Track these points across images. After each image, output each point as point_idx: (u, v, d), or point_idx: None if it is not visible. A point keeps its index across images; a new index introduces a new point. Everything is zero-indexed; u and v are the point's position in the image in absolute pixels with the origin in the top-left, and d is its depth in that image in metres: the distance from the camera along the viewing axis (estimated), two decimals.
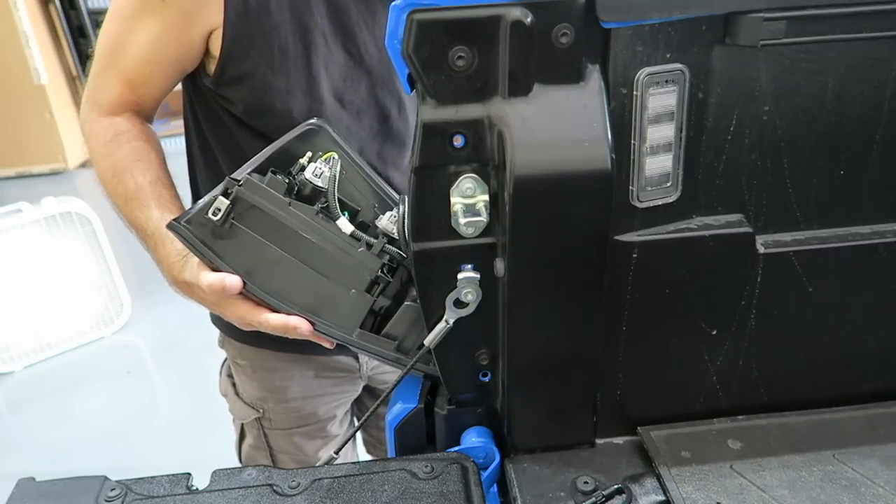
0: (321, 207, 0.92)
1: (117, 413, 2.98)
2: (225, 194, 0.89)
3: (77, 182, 5.17)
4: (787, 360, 0.91)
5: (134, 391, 3.14)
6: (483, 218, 0.78)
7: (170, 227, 0.92)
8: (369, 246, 0.91)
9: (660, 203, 0.80)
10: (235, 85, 1.10)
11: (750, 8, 0.71)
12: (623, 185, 0.77)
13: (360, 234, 0.92)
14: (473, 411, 0.93)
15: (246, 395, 1.44)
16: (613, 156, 0.72)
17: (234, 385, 1.46)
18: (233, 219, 0.90)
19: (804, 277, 0.86)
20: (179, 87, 1.22)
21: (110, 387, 3.14)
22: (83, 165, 5.39)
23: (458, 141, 0.74)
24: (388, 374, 1.46)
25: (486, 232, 0.79)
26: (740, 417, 0.92)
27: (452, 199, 0.77)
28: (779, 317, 0.88)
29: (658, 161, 0.77)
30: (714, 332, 0.88)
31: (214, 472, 0.87)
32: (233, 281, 0.91)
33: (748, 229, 0.82)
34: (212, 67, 1.10)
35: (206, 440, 2.59)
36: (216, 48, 1.07)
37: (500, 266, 0.79)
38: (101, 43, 1.14)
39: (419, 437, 0.96)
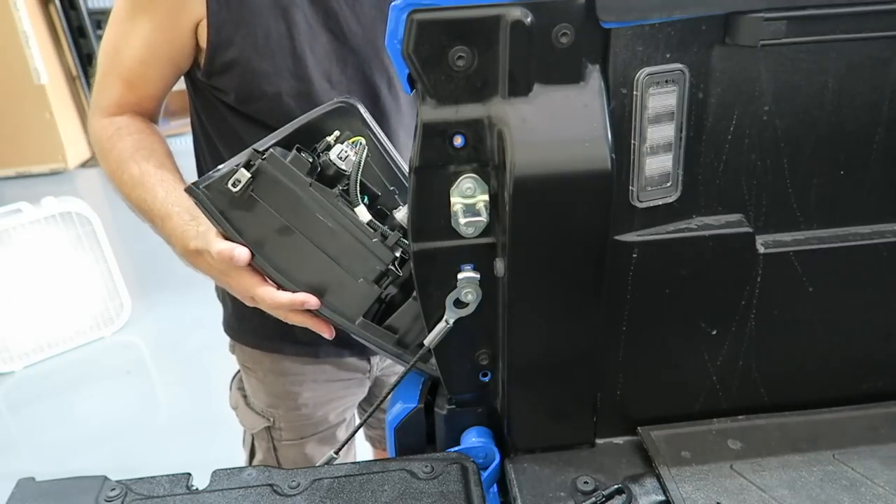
0: (341, 190, 0.90)
1: (117, 413, 2.98)
2: (247, 166, 0.88)
3: (77, 182, 5.17)
4: (787, 360, 0.91)
5: (134, 391, 3.14)
6: (483, 218, 0.78)
7: (188, 189, 0.91)
8: (384, 237, 0.90)
9: (660, 203, 0.80)
10: (225, 73, 1.12)
11: (750, 8, 0.71)
12: (623, 185, 0.77)
13: (376, 223, 0.90)
14: (473, 411, 0.93)
15: (256, 404, 1.43)
16: (613, 156, 0.72)
17: (244, 396, 1.46)
18: (252, 191, 0.89)
19: (804, 277, 0.86)
20: (182, 86, 1.24)
21: (110, 387, 3.14)
22: (83, 165, 5.39)
23: (458, 141, 0.74)
24: (395, 377, 1.46)
25: (486, 232, 0.79)
26: (740, 417, 0.92)
27: (452, 199, 0.77)
28: (779, 317, 0.88)
29: (658, 161, 0.77)
30: (714, 332, 0.88)
31: (214, 472, 0.87)
32: (242, 252, 0.91)
33: (748, 229, 0.82)
34: (202, 60, 1.13)
35: (206, 440, 2.60)
36: (204, 40, 1.10)
37: (500, 266, 0.79)
38: (102, 48, 1.18)
39: (419, 437, 0.96)
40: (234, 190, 0.88)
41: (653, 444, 0.88)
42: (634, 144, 0.76)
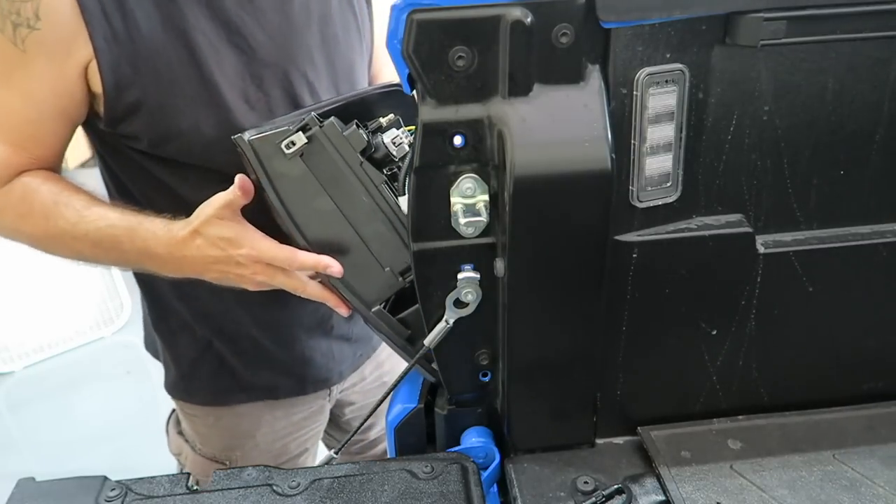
0: (388, 175, 0.89)
1: (117, 413, 2.97)
2: (304, 129, 0.86)
3: (77, 182, 5.16)
4: (787, 359, 0.91)
5: (134, 391, 3.13)
6: (483, 218, 0.78)
7: (236, 138, 0.88)
8: None
9: (660, 203, 0.80)
10: (131, 118, 1.00)
11: (750, 8, 0.71)
12: (623, 185, 0.77)
13: None
14: (473, 411, 0.93)
15: (206, 451, 1.32)
16: (613, 156, 0.72)
17: (188, 442, 1.36)
18: (300, 155, 0.86)
19: (804, 277, 0.86)
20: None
21: (110, 387, 3.14)
22: (83, 165, 5.38)
23: (458, 141, 0.74)
24: (355, 395, 1.42)
25: (486, 232, 0.79)
26: (740, 417, 0.92)
27: (452, 199, 0.77)
28: (779, 317, 0.88)
29: (658, 161, 0.77)
30: (714, 332, 0.88)
31: (214, 471, 0.87)
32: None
33: (748, 229, 0.82)
34: (101, 108, 1.00)
35: None
36: (97, 84, 0.97)
37: (500, 266, 0.79)
38: None
39: (419, 437, 0.96)
40: (287, 152, 0.85)
41: (653, 444, 0.88)
42: (634, 144, 0.76)
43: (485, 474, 0.89)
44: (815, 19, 0.72)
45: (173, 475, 0.87)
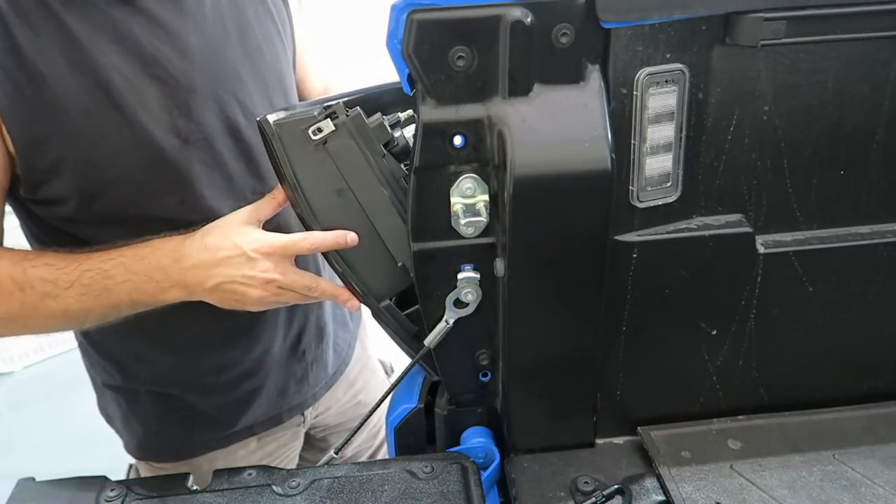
0: (408, 169, 0.88)
1: None
2: (331, 116, 0.85)
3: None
4: (786, 359, 0.91)
5: None
6: (483, 218, 0.78)
7: (261, 120, 0.85)
8: None
9: (660, 203, 0.80)
10: (54, 178, 0.91)
11: (750, 8, 0.71)
12: (623, 185, 0.77)
13: None
14: (473, 411, 0.93)
15: None
16: (613, 156, 0.72)
17: None
18: (324, 143, 0.85)
19: (804, 277, 0.86)
20: None
21: None
22: None
23: (458, 141, 0.74)
24: (331, 417, 1.38)
25: (486, 232, 0.79)
26: (740, 417, 0.92)
27: (452, 199, 0.77)
28: (779, 317, 0.88)
29: (658, 161, 0.77)
30: (714, 332, 0.88)
31: (214, 471, 0.87)
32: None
33: (748, 229, 0.82)
34: (20, 172, 0.91)
35: None
36: (11, 146, 0.89)
37: (500, 266, 0.79)
38: None
39: (419, 437, 0.96)
40: (314, 138, 0.84)
41: (653, 444, 0.88)
42: (634, 144, 0.76)
43: (485, 474, 0.89)
44: (815, 19, 0.72)
45: (173, 475, 0.87)
